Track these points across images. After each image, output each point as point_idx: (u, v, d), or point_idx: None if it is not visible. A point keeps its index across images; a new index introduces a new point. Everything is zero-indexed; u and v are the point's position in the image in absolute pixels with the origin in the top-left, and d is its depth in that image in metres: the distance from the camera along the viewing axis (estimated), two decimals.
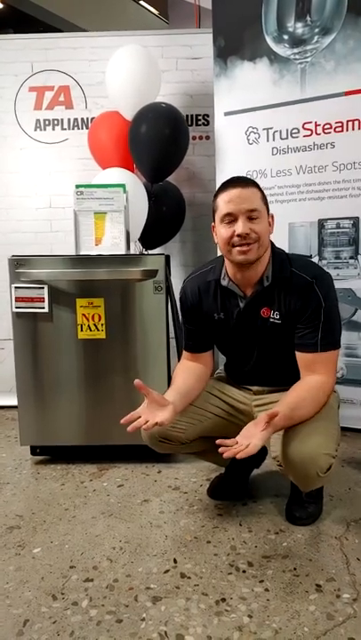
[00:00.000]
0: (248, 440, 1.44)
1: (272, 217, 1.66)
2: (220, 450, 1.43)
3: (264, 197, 1.63)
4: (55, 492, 2.06)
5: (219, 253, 1.77)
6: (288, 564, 1.55)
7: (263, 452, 2.01)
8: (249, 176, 2.47)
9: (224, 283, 1.71)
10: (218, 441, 1.44)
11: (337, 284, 1.69)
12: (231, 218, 1.58)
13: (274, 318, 1.67)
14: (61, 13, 6.66)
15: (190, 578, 1.50)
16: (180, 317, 1.88)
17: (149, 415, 1.52)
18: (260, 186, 1.66)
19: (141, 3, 8.61)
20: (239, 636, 1.28)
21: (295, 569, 1.53)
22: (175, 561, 1.58)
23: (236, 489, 1.96)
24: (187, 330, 1.84)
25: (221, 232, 1.61)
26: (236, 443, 1.44)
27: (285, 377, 1.68)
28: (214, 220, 1.66)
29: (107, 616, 1.36)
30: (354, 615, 1.33)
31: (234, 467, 1.96)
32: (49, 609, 1.39)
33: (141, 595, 1.44)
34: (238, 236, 1.56)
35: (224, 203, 1.59)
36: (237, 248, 1.58)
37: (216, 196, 1.64)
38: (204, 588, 1.46)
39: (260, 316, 1.69)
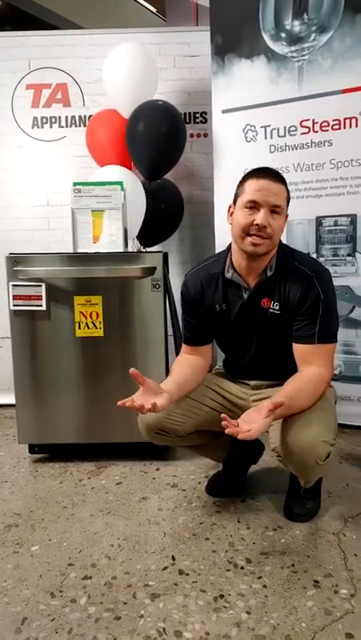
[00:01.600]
0: (249, 425, 1.44)
1: (286, 217, 1.68)
2: (223, 424, 1.43)
3: (288, 197, 1.65)
4: (53, 490, 2.06)
5: (217, 250, 1.77)
6: (286, 560, 1.56)
7: (260, 448, 2.02)
8: None
9: (228, 275, 1.73)
10: (223, 415, 1.44)
11: (335, 282, 1.70)
12: (254, 205, 1.58)
13: (273, 309, 1.68)
14: (58, 10, 6.64)
15: (188, 575, 1.50)
16: (180, 311, 1.89)
17: (144, 401, 1.53)
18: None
19: (139, 0, 8.58)
20: (237, 632, 1.28)
21: (293, 565, 1.53)
22: (173, 558, 1.59)
23: (234, 486, 1.97)
24: (187, 323, 1.85)
25: (239, 217, 1.62)
26: (238, 425, 1.45)
27: (283, 371, 1.68)
28: (234, 203, 1.66)
29: (105, 613, 1.36)
30: (351, 611, 1.34)
31: (231, 463, 1.97)
32: (47, 606, 1.39)
33: (140, 592, 1.44)
34: (256, 225, 1.57)
35: (252, 190, 1.59)
36: (250, 239, 1.59)
37: (245, 179, 1.64)
38: (202, 584, 1.46)
39: (261, 307, 1.70)
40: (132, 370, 1.54)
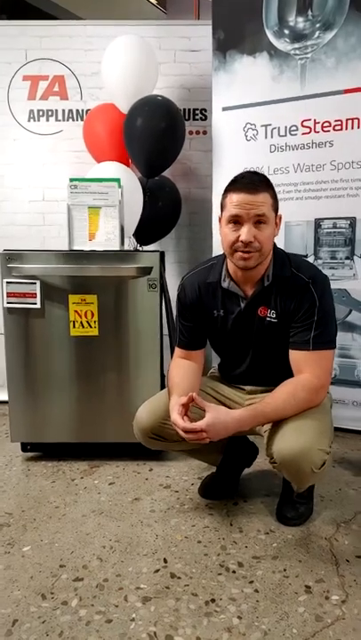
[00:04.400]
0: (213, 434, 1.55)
1: (280, 218, 1.66)
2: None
3: (275, 201, 1.61)
4: (46, 489, 2.05)
5: (214, 250, 1.76)
6: (278, 564, 1.56)
7: (254, 451, 2.02)
8: None
9: (225, 285, 1.71)
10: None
11: (332, 285, 1.68)
12: (237, 219, 1.56)
13: (270, 317, 1.67)
14: (57, 0, 6.54)
15: (180, 578, 1.50)
16: (176, 314, 1.87)
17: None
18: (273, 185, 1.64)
19: None
20: (228, 637, 1.28)
21: (285, 570, 1.53)
22: (165, 561, 1.58)
23: (227, 488, 1.96)
24: (182, 326, 1.83)
25: (226, 233, 1.60)
26: (202, 431, 1.54)
27: (280, 378, 1.66)
28: (222, 214, 1.64)
29: (96, 616, 1.35)
30: (343, 617, 1.34)
31: (225, 466, 1.96)
32: (38, 609, 1.39)
33: (131, 595, 1.43)
34: (242, 241, 1.55)
35: (233, 205, 1.56)
36: (239, 254, 1.58)
37: (227, 191, 1.61)
38: (193, 588, 1.46)
39: (258, 316, 1.69)
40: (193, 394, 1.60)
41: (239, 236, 1.56)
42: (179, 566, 1.55)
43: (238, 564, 1.56)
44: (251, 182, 1.58)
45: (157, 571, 1.53)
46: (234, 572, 1.52)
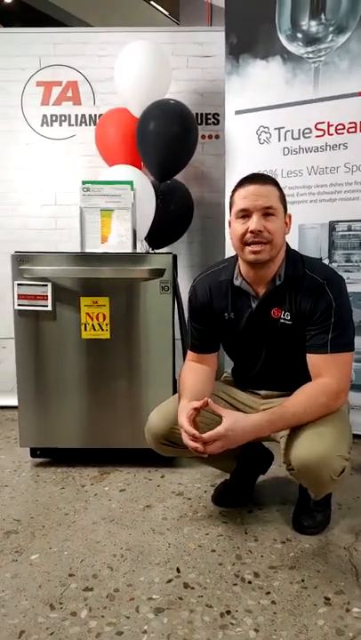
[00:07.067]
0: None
1: (290, 217, 1.65)
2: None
3: (282, 196, 1.61)
4: (55, 495, 2.01)
5: (226, 254, 1.73)
6: (295, 575, 1.50)
7: (269, 458, 1.97)
8: None
9: (237, 283, 1.68)
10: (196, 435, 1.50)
11: (348, 288, 1.64)
12: (246, 213, 1.56)
13: (284, 319, 1.63)
14: (70, 9, 6.62)
15: (194, 588, 1.45)
16: (187, 317, 1.84)
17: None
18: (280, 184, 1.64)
19: (152, 2, 8.56)
20: None
21: (303, 580, 1.47)
22: (178, 570, 1.53)
23: (241, 495, 1.91)
24: (194, 329, 1.80)
25: (236, 228, 1.59)
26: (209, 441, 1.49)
27: (294, 382, 1.62)
28: (231, 212, 1.64)
29: (107, 628, 1.30)
30: None
31: (239, 472, 1.91)
32: (46, 619, 1.34)
33: (143, 605, 1.38)
34: (252, 232, 1.54)
35: (240, 198, 1.57)
36: (249, 247, 1.56)
37: (234, 191, 1.63)
38: (208, 599, 1.40)
39: (271, 317, 1.65)
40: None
41: (248, 228, 1.54)
42: (192, 576, 1.50)
43: (254, 575, 1.50)
44: (256, 176, 1.62)
45: (170, 581, 1.48)
46: (250, 582, 1.47)
